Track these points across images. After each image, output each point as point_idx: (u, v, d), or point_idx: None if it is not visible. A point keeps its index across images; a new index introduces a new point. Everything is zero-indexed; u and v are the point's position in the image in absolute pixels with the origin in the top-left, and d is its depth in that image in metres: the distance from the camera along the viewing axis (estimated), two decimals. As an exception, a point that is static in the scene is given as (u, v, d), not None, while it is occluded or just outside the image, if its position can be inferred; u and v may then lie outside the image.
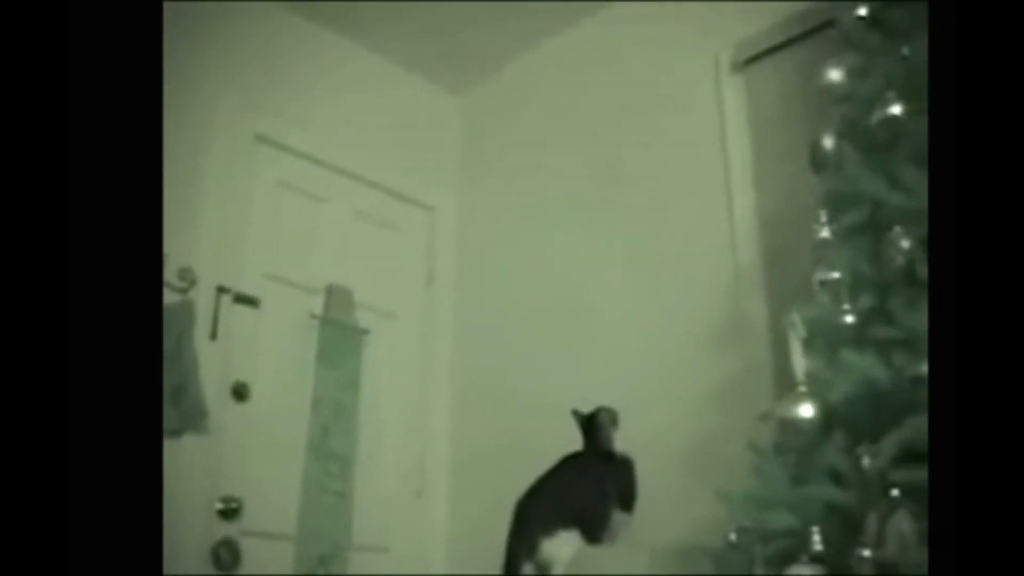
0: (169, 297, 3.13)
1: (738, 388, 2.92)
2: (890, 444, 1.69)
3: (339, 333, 3.64)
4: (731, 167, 3.21)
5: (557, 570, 2.65)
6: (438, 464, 3.85)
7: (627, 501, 2.81)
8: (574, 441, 3.06)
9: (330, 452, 3.46)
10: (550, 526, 2.68)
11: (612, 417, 2.92)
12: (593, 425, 2.93)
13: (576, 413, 2.98)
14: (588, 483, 2.79)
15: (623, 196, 3.55)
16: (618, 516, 2.77)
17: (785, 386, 2.14)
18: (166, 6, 3.35)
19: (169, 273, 3.15)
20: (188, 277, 3.21)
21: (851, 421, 1.85)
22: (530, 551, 2.66)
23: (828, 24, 2.86)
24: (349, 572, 3.39)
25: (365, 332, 3.73)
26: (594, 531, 2.70)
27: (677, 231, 3.32)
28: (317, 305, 3.63)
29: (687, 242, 3.28)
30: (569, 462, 2.86)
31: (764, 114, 3.19)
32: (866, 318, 1.94)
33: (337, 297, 3.67)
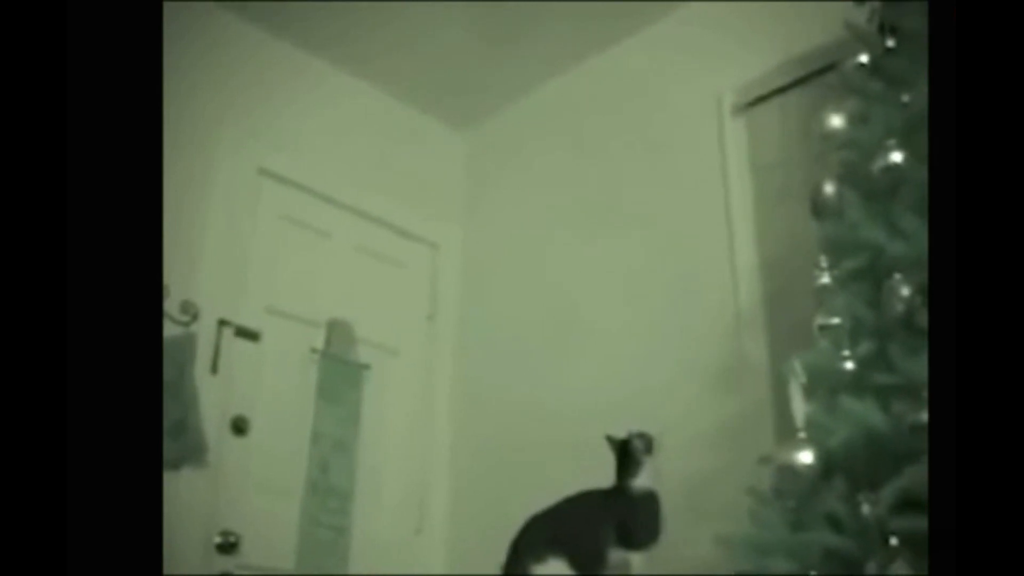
0: (171, 330, 3.14)
1: (738, 429, 2.92)
2: (889, 493, 1.69)
3: (340, 368, 3.64)
4: (732, 208, 3.23)
5: None
6: (437, 501, 3.84)
7: (631, 539, 2.66)
8: (575, 478, 3.05)
9: (329, 488, 3.45)
10: (540, 552, 2.66)
11: (645, 444, 2.75)
12: (622, 453, 2.77)
13: (610, 439, 2.81)
14: (584, 515, 2.73)
15: (625, 235, 3.57)
16: (621, 554, 2.68)
17: (786, 428, 2.14)
18: (170, 39, 3.41)
19: (171, 306, 3.16)
20: (190, 310, 3.22)
21: (850, 468, 1.85)
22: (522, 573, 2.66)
23: (829, 68, 2.90)
24: (347, 609, 3.39)
25: (366, 367, 3.73)
26: (584, 566, 2.66)
27: (679, 271, 3.33)
28: (318, 339, 3.64)
29: (688, 282, 3.29)
30: (582, 494, 2.78)
31: (765, 156, 3.21)
32: (866, 364, 1.94)
33: (338, 332, 3.68)
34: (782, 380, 2.11)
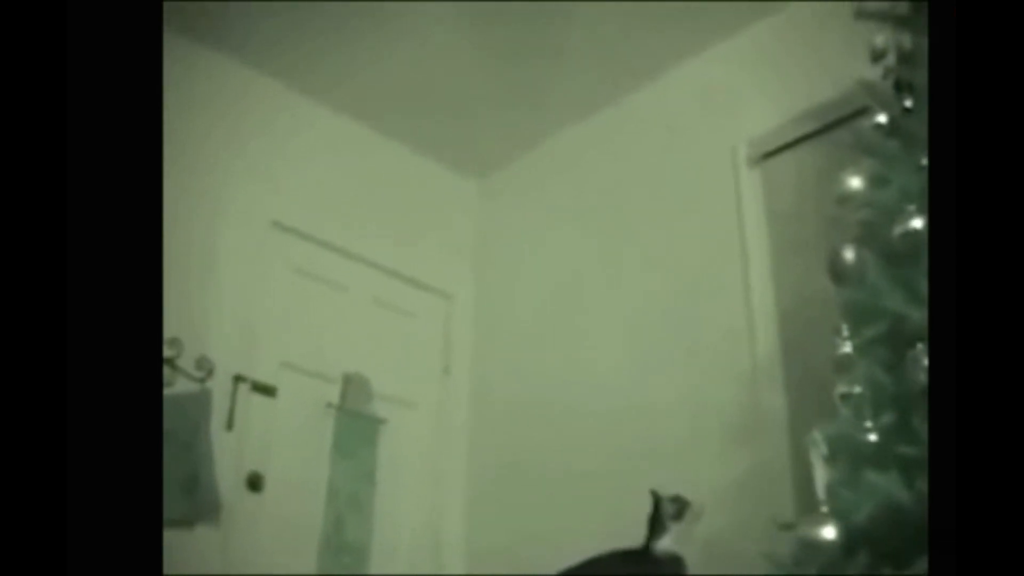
0: (186, 386, 3.13)
1: (756, 485, 2.89)
2: (917, 570, 1.66)
3: (355, 423, 3.63)
4: (749, 259, 3.21)
5: None
6: (453, 555, 3.81)
7: None
8: (591, 535, 3.03)
9: (344, 544, 3.43)
10: None
11: (676, 509, 2.68)
12: (653, 513, 2.72)
13: (653, 494, 2.73)
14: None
15: (641, 286, 3.55)
16: None
17: (804, 484, 2.12)
18: (181, 89, 3.44)
19: (186, 362, 3.16)
20: (205, 366, 3.21)
21: (874, 542, 1.82)
22: None
23: (845, 120, 2.90)
24: (363, 667, 3.36)
25: (382, 421, 3.71)
26: None
27: (695, 323, 3.31)
28: (334, 394, 3.63)
29: (705, 333, 3.27)
30: (609, 553, 2.76)
31: (781, 207, 3.20)
32: (889, 435, 1.92)
33: (354, 386, 3.66)
34: (799, 430, 2.10)
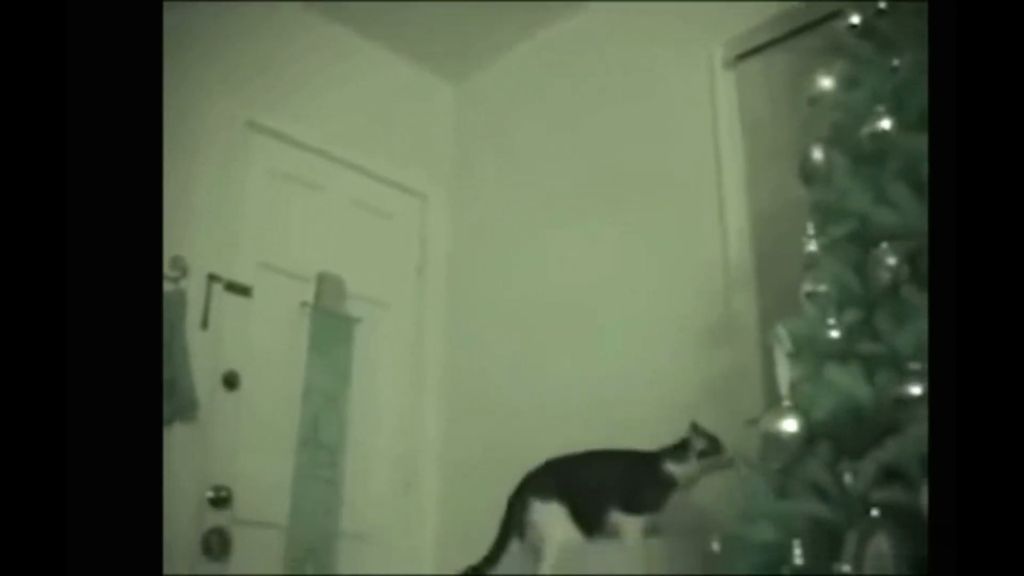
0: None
1: (727, 389, 2.93)
2: (871, 464, 1.71)
3: (330, 322, 3.65)
4: (723, 164, 3.22)
5: (548, 547, 2.64)
6: (428, 454, 3.86)
7: (630, 502, 2.64)
8: (564, 435, 3.08)
9: (320, 441, 3.47)
10: (546, 493, 2.70)
11: (708, 448, 2.62)
12: (683, 439, 2.67)
13: (693, 425, 2.67)
14: (600, 471, 2.74)
15: (615, 190, 3.56)
16: (619, 517, 2.63)
17: (773, 390, 2.16)
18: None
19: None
20: (179, 266, 3.22)
21: (834, 437, 1.86)
22: (523, 509, 2.70)
23: (818, 23, 2.89)
24: (338, 561, 3.42)
25: (356, 321, 3.74)
26: (583, 519, 2.68)
27: (669, 228, 3.33)
28: (309, 293, 3.64)
29: (679, 240, 3.29)
30: (608, 450, 2.77)
31: (754, 112, 3.19)
32: (852, 333, 1.95)
33: (328, 286, 3.68)
34: (771, 341, 2.13)
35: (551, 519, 2.68)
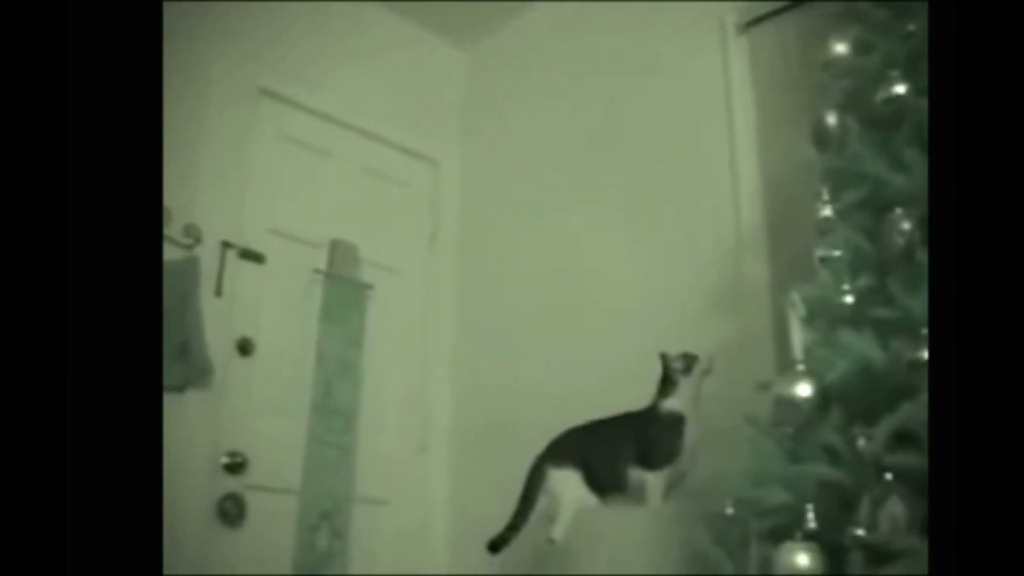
0: (174, 254, 3.15)
1: (739, 352, 2.92)
2: (884, 429, 1.71)
3: (343, 288, 3.66)
4: (735, 129, 3.21)
5: (563, 511, 2.68)
6: (440, 418, 3.90)
7: (647, 458, 2.66)
8: (575, 398, 3.10)
9: (333, 407, 3.49)
10: (563, 460, 2.75)
11: (685, 365, 2.71)
12: (663, 371, 2.74)
13: (663, 356, 2.75)
14: (612, 434, 2.76)
15: (627, 155, 3.55)
16: (640, 474, 2.66)
17: (785, 353, 2.17)
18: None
19: (174, 230, 3.18)
20: (193, 233, 3.23)
21: (847, 401, 1.87)
22: (540, 478, 2.75)
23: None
24: (351, 525, 3.45)
25: (369, 287, 3.75)
26: (597, 483, 2.71)
27: (680, 193, 3.33)
28: (321, 260, 3.65)
29: (690, 204, 3.28)
30: (619, 415, 2.79)
31: (767, 77, 3.19)
32: (865, 298, 1.95)
33: (341, 252, 3.69)
34: (783, 302, 2.14)
35: (565, 485, 2.71)
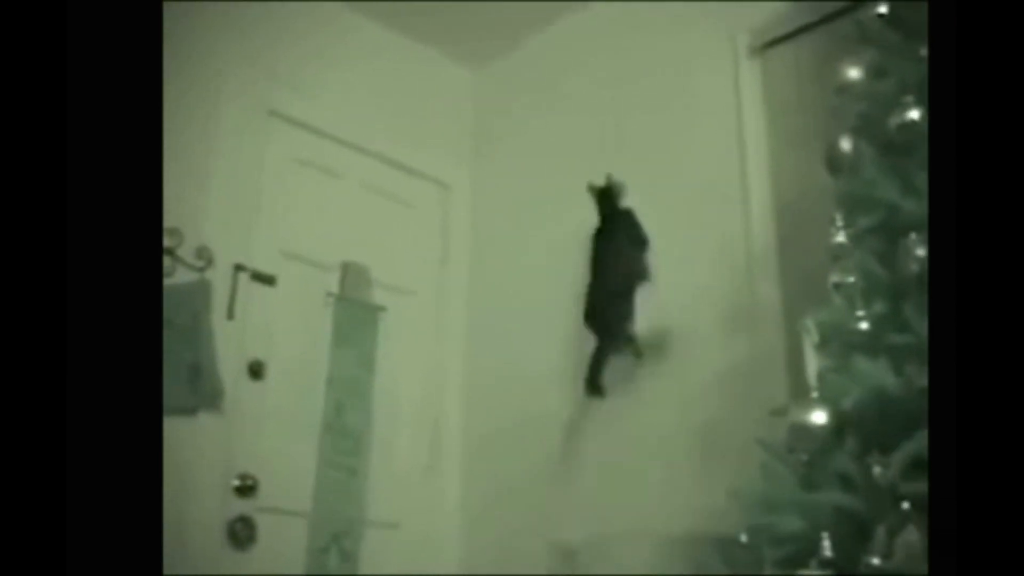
0: (186, 276, 3.15)
1: (750, 373, 2.93)
2: (900, 456, 1.70)
3: (355, 311, 3.66)
4: (747, 152, 3.21)
5: None
6: (451, 441, 3.88)
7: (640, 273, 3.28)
8: (585, 421, 3.09)
9: (344, 429, 3.48)
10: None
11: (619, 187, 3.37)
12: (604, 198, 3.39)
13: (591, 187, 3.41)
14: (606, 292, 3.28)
15: (637, 177, 3.53)
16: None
17: (798, 374, 2.16)
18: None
19: (186, 252, 3.18)
20: (205, 256, 3.22)
21: (863, 428, 1.86)
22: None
23: (845, 10, 2.87)
24: (362, 548, 3.43)
25: (381, 309, 3.74)
26: (606, 341, 3.22)
27: (691, 215, 3.32)
28: (333, 282, 3.64)
29: (701, 226, 3.28)
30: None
31: (780, 100, 3.19)
32: (880, 324, 1.94)
33: (353, 275, 3.69)
34: (795, 323, 2.13)
35: None
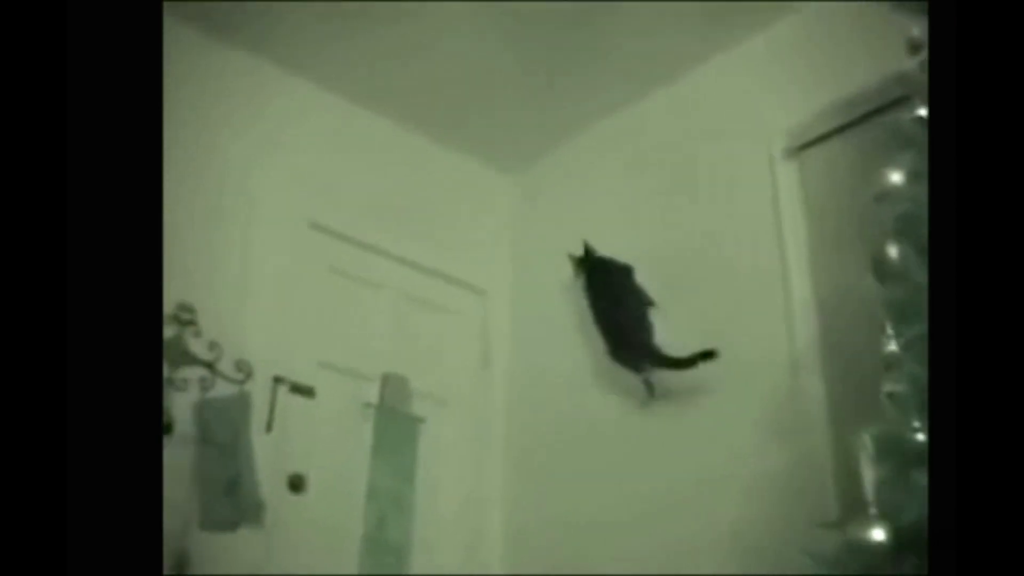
0: (226, 389, 3.15)
1: (794, 477, 2.88)
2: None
3: (394, 422, 3.63)
4: (787, 251, 3.19)
5: None
6: (492, 551, 3.81)
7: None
8: (626, 538, 3.03)
9: (386, 543, 3.44)
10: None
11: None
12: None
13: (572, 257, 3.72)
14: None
15: (678, 279, 3.52)
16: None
17: (847, 485, 2.11)
18: (218, 92, 3.48)
19: (225, 365, 3.18)
20: (244, 369, 3.22)
21: (923, 544, 1.80)
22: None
23: (880, 111, 2.88)
24: (406, 663, 3.37)
25: (421, 420, 3.71)
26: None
27: (733, 316, 3.29)
28: (372, 393, 3.63)
29: (743, 327, 3.24)
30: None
31: (819, 199, 3.18)
32: (936, 436, 1.89)
33: (393, 385, 3.67)
34: (840, 422, 2.08)
35: None
